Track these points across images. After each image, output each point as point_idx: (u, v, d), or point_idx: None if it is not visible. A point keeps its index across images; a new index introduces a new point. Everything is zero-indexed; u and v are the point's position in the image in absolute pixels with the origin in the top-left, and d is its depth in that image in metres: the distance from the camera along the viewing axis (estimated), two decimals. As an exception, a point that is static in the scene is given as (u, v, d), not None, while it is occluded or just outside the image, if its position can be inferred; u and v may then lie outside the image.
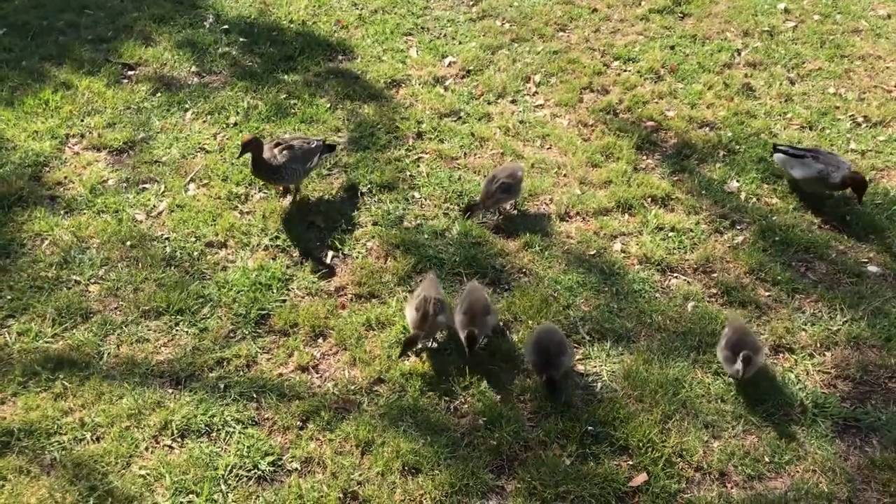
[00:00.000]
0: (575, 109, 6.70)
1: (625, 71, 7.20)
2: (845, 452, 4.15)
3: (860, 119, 6.58)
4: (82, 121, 6.36)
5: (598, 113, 6.63)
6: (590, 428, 4.20)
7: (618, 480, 3.97)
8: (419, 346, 4.54)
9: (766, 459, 4.10)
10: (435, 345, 4.67)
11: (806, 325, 4.84)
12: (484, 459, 4.07)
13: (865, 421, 4.29)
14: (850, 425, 4.29)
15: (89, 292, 4.95)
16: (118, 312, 4.82)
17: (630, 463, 4.07)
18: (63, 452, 4.02)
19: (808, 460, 4.10)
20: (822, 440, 4.19)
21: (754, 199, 5.82)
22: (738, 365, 4.26)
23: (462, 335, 4.49)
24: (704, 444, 4.17)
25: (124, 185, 5.79)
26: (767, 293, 5.07)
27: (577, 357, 4.65)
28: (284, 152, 5.38)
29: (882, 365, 4.60)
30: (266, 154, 5.35)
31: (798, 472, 4.06)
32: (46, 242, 5.25)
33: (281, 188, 5.73)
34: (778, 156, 5.82)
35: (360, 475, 3.97)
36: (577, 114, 6.64)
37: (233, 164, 5.97)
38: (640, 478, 3.98)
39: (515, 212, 5.61)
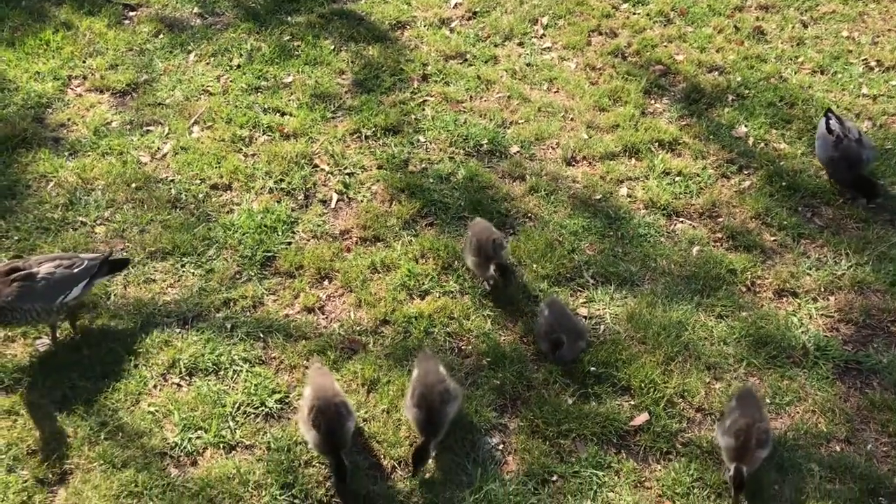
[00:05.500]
0: (583, 52, 6.60)
1: (634, 14, 7.06)
2: (845, 394, 4.20)
3: (873, 63, 6.47)
4: (84, 62, 6.29)
5: (606, 56, 6.53)
6: (592, 369, 4.24)
7: (619, 420, 4.02)
8: (431, 453, 3.78)
9: (767, 401, 4.14)
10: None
11: (811, 269, 4.85)
12: (487, 398, 4.12)
13: (866, 363, 4.32)
14: (850, 368, 4.33)
15: (96, 233, 4.96)
16: (125, 253, 4.84)
17: (632, 403, 4.13)
18: (73, 390, 4.08)
19: (808, 401, 4.15)
20: (822, 382, 4.23)
21: (762, 145, 5.77)
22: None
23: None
24: (706, 385, 4.21)
25: (128, 127, 5.76)
26: (773, 238, 5.06)
27: (581, 300, 4.67)
28: (14, 285, 3.94)
29: (885, 309, 4.61)
30: None
31: (798, 412, 4.11)
32: (52, 184, 5.25)
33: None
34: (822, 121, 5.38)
35: (366, 412, 4.03)
36: (585, 57, 6.55)
37: (236, 106, 5.93)
38: (642, 417, 4.04)
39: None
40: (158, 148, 5.60)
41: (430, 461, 3.80)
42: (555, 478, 3.80)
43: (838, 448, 3.95)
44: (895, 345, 4.44)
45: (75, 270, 4.12)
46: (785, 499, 3.71)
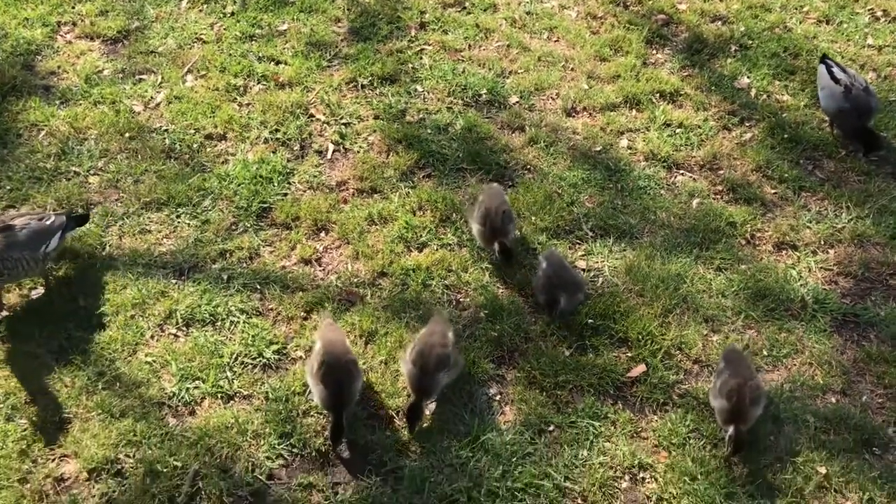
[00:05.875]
0: (583, 1, 6.46)
1: (637, -39, 6.89)
2: (842, 346, 4.21)
3: (879, 13, 6.36)
4: (73, 8, 6.14)
5: (607, 5, 6.40)
6: (590, 321, 4.23)
7: (616, 371, 4.03)
8: (426, 411, 3.79)
9: (765, 353, 4.15)
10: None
11: (811, 222, 4.82)
12: (485, 350, 4.12)
13: (864, 316, 4.33)
14: (848, 321, 4.33)
15: (89, 183, 4.90)
16: (119, 204, 4.79)
17: (629, 355, 4.13)
18: (69, 340, 4.07)
19: (805, 354, 4.16)
20: (820, 335, 4.24)
21: (765, 96, 5.69)
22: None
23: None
24: (704, 337, 4.22)
25: (120, 75, 5.65)
26: (774, 191, 5.02)
27: (580, 253, 4.65)
28: None
29: (884, 262, 4.60)
30: None
31: (795, 365, 4.12)
32: (43, 133, 5.16)
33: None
34: (820, 68, 5.33)
35: (365, 363, 4.02)
36: (586, 5, 6.41)
37: (230, 55, 5.81)
38: (639, 369, 4.05)
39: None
40: (152, 97, 5.50)
41: (428, 411, 3.81)
42: (551, 428, 3.82)
43: (834, 400, 3.97)
44: (893, 298, 4.44)
45: (47, 223, 4.14)
46: (780, 450, 3.74)
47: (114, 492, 3.51)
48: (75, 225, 4.37)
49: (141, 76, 5.66)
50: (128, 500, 3.48)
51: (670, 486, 3.60)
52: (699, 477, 3.62)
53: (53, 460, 3.62)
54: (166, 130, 5.26)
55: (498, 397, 3.95)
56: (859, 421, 3.85)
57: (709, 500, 3.54)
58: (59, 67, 5.64)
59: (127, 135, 5.19)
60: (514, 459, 3.67)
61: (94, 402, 3.81)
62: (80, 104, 5.39)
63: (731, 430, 3.63)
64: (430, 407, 3.83)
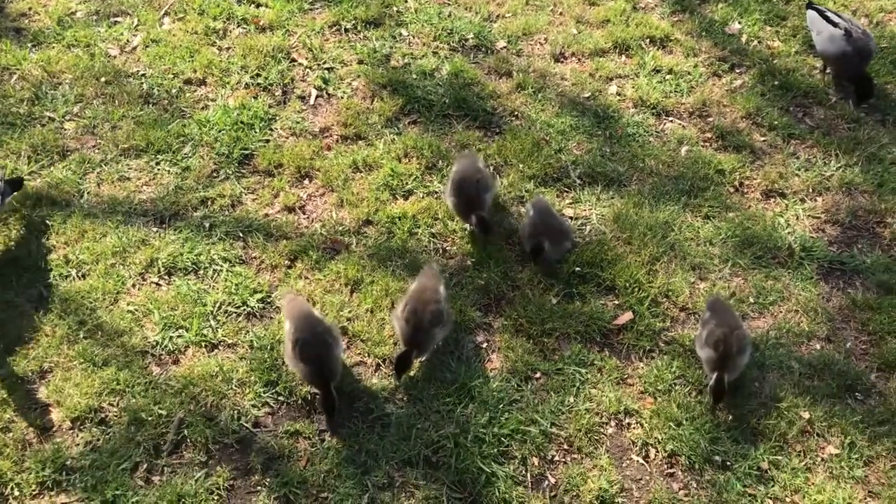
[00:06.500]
0: (573, -57, 6.27)
1: None
2: (828, 294, 4.21)
3: (873, -42, 6.22)
4: (44, -53, 5.90)
5: (597, -53, 6.22)
6: (577, 269, 4.21)
7: (603, 318, 4.02)
8: (414, 361, 3.75)
9: (751, 300, 4.15)
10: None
11: (799, 170, 4.78)
12: (472, 298, 4.09)
13: (850, 264, 4.33)
14: (834, 268, 4.33)
15: (65, 129, 4.76)
16: (96, 150, 4.66)
17: (616, 302, 4.12)
18: (48, 289, 4.00)
19: (791, 301, 4.16)
20: (806, 282, 4.24)
21: (755, 42, 5.59)
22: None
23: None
24: (691, 285, 4.20)
25: (94, 17, 5.46)
26: (763, 138, 4.97)
27: (568, 201, 4.60)
28: None
29: (872, 210, 4.59)
30: None
31: (781, 312, 4.12)
32: (15, 77, 5.00)
33: None
34: (811, 13, 5.23)
35: (350, 312, 3.99)
36: (576, -53, 6.23)
37: (209, -4, 5.62)
38: (626, 316, 4.04)
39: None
40: (128, 40, 5.33)
41: (417, 362, 3.79)
42: (538, 375, 3.82)
43: (818, 346, 3.99)
44: (879, 246, 4.44)
45: None
46: (765, 395, 3.76)
47: (98, 440, 3.49)
48: (12, 190, 4.16)
49: (116, 18, 5.48)
50: (112, 448, 3.46)
51: (656, 431, 3.62)
52: (684, 422, 3.64)
53: (36, 409, 3.58)
54: (143, 75, 5.11)
55: (485, 345, 3.94)
56: (843, 367, 3.88)
57: (693, 445, 3.57)
58: (30, 9, 5.45)
59: (103, 79, 5.03)
60: (500, 406, 3.67)
61: (75, 352, 3.75)
62: (54, 47, 5.22)
63: (712, 380, 3.63)
64: (419, 359, 3.80)
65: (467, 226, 4.30)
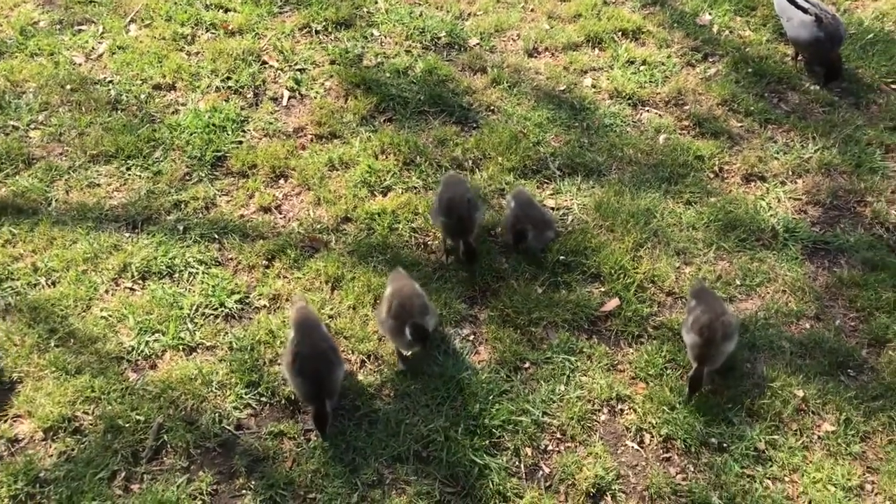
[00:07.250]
0: (541, -59, 6.28)
1: None
2: (814, 273, 4.18)
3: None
4: (4, -42, 5.78)
5: (565, -55, 6.23)
6: (561, 258, 4.14)
7: (590, 306, 3.95)
8: (408, 354, 3.69)
9: (738, 283, 4.11)
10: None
11: (778, 154, 4.78)
12: (456, 291, 4.00)
13: (834, 243, 4.31)
14: (819, 248, 4.31)
15: (30, 138, 4.63)
16: (64, 158, 4.53)
17: (602, 290, 4.05)
18: (18, 297, 3.84)
19: (778, 282, 4.13)
20: (791, 263, 4.21)
21: (727, 32, 5.61)
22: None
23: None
24: (676, 269, 4.16)
25: (58, 26, 5.34)
26: (740, 124, 4.96)
27: (548, 192, 4.54)
28: None
29: (851, 190, 4.58)
30: None
31: (768, 293, 4.08)
32: (-23, 87, 4.86)
33: None
34: (779, 1, 5.23)
35: (332, 309, 3.88)
36: (544, -54, 6.23)
37: (176, 3, 5.53)
38: (613, 303, 3.97)
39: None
40: (93, 48, 5.22)
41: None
42: (527, 364, 3.73)
43: (808, 325, 3.95)
44: (861, 224, 4.43)
45: None
46: (757, 375, 3.71)
47: (72, 450, 3.33)
48: None
49: (80, 27, 5.36)
50: (88, 457, 3.31)
51: (649, 415, 3.55)
52: (678, 406, 3.57)
53: (5, 421, 3.42)
54: (111, 82, 5.00)
55: (472, 337, 3.85)
56: (833, 344, 3.84)
57: (689, 429, 3.50)
58: (-9, 19, 5.32)
59: (68, 87, 4.91)
60: (490, 397, 3.57)
61: (46, 360, 3.60)
62: (16, 56, 5.09)
63: (692, 370, 3.55)
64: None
65: (444, 257, 4.14)
